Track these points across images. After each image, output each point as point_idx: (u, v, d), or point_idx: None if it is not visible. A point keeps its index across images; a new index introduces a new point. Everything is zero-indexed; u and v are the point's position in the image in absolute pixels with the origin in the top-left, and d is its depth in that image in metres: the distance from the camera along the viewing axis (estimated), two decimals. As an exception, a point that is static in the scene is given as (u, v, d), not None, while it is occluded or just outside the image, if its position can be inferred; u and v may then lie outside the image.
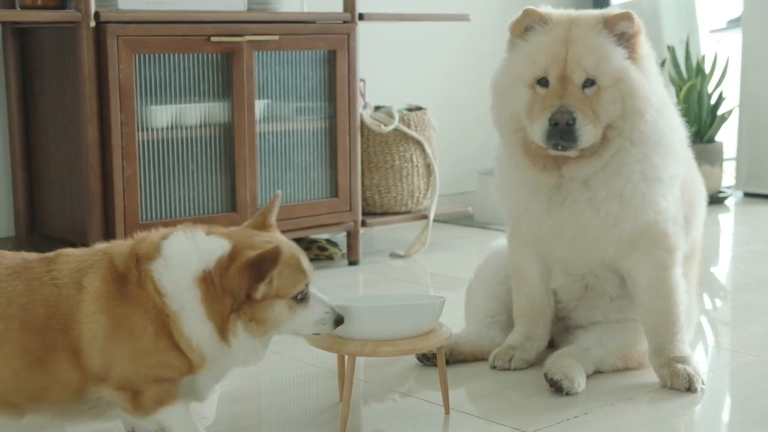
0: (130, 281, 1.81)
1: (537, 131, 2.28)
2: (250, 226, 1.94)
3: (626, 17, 2.29)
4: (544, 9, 2.35)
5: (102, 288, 1.79)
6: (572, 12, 2.36)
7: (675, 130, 2.43)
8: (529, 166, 2.35)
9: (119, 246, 1.89)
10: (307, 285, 1.88)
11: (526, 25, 2.34)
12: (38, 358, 1.76)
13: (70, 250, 1.88)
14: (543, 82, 2.29)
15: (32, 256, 1.86)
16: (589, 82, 2.27)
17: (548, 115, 2.25)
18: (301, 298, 1.87)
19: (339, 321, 1.93)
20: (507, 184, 2.47)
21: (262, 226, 1.94)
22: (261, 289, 1.80)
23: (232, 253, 1.81)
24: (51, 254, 1.86)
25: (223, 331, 1.81)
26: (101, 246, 1.90)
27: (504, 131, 2.40)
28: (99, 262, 1.83)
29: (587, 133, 2.25)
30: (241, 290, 1.79)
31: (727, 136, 5.25)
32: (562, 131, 2.24)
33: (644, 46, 2.35)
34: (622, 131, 2.30)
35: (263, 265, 1.78)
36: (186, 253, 1.82)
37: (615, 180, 2.33)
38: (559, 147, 2.27)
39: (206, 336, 1.81)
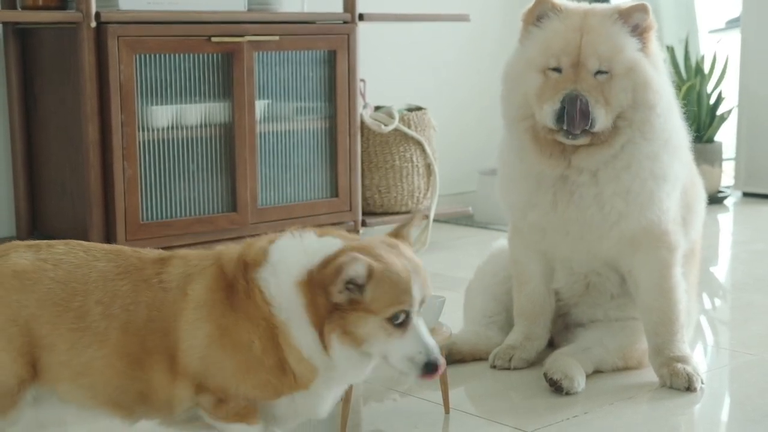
0: (238, 291, 1.72)
1: (548, 112, 2.28)
2: (397, 235, 1.81)
3: (641, 9, 2.31)
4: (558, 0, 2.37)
5: (206, 296, 1.72)
6: (586, 4, 2.38)
7: (681, 132, 2.45)
8: (536, 153, 2.35)
9: (231, 251, 1.79)
10: (406, 311, 1.69)
11: (540, 13, 2.35)
12: (137, 360, 1.72)
13: (184, 252, 1.82)
14: (556, 69, 2.30)
15: (150, 255, 1.80)
16: (602, 71, 2.28)
17: (560, 98, 2.26)
18: (399, 324, 1.69)
19: (430, 367, 1.70)
20: (511, 178, 2.46)
21: (404, 237, 1.81)
22: (336, 293, 1.67)
23: (339, 252, 1.69)
24: (166, 254, 1.81)
25: (324, 341, 1.70)
26: (215, 250, 1.81)
27: (513, 119, 2.40)
28: (207, 269, 1.75)
29: (600, 117, 2.26)
30: (327, 291, 1.67)
31: (726, 136, 5.26)
32: (573, 114, 2.25)
33: (655, 44, 2.37)
34: (632, 122, 2.31)
35: (341, 269, 1.64)
36: (293, 256, 1.71)
37: (624, 175, 2.33)
38: (570, 136, 2.27)
39: (315, 345, 1.71)
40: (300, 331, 1.70)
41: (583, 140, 2.29)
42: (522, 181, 2.42)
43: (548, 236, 2.44)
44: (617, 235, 2.37)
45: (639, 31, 2.32)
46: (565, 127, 2.27)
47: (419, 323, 1.72)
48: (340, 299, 1.67)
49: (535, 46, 2.34)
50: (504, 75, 2.42)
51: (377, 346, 1.70)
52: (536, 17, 2.36)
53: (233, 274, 1.73)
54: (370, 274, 1.66)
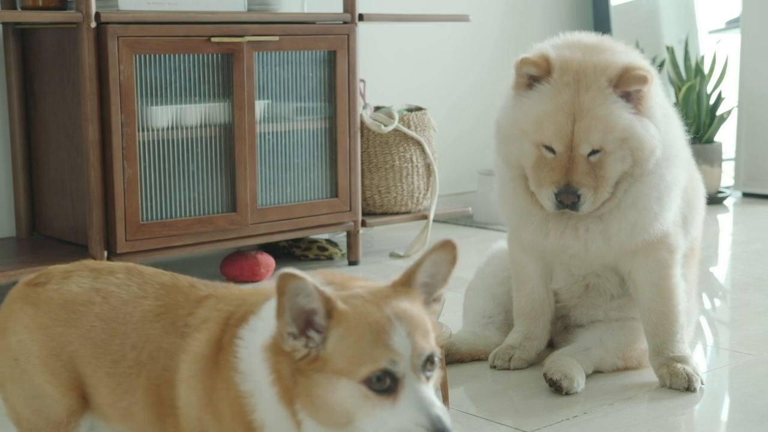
0: (223, 346, 1.45)
1: (544, 200, 2.30)
2: (395, 283, 1.41)
3: (641, 80, 2.23)
4: (543, 54, 2.28)
5: (203, 349, 1.47)
6: (576, 58, 2.26)
7: (678, 136, 2.44)
8: (528, 199, 2.37)
9: (255, 295, 1.53)
10: (389, 371, 1.31)
11: (531, 74, 2.28)
12: (158, 413, 1.53)
13: (222, 291, 1.57)
14: (549, 148, 2.28)
15: (198, 292, 1.57)
16: (595, 152, 2.27)
17: (555, 191, 2.27)
18: (384, 389, 1.31)
19: None
20: (505, 196, 2.48)
21: (405, 284, 1.41)
22: (286, 336, 1.34)
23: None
24: (211, 290, 1.58)
25: (296, 419, 1.37)
26: (249, 291, 1.56)
27: (508, 164, 2.41)
28: (218, 316, 1.50)
29: (590, 205, 2.29)
30: (279, 336, 1.35)
31: (726, 136, 5.26)
32: (567, 206, 2.28)
33: (651, 96, 2.29)
34: (633, 175, 2.32)
35: (280, 288, 1.31)
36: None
37: (630, 212, 2.34)
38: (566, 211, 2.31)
39: (283, 425, 1.38)
40: (265, 407, 1.39)
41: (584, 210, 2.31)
42: (515, 201, 2.43)
43: (545, 250, 2.45)
44: (619, 252, 2.39)
45: (635, 94, 2.26)
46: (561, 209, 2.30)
47: (419, 387, 1.31)
48: (293, 348, 1.33)
49: (528, 119, 2.28)
50: (498, 126, 2.38)
51: (362, 421, 1.31)
52: (527, 78, 2.29)
53: (231, 324, 1.48)
54: (330, 312, 1.33)
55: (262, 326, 1.42)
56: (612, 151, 2.26)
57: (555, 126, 2.25)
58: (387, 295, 1.37)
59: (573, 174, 2.25)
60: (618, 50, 2.33)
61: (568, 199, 2.26)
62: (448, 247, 1.41)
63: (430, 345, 1.35)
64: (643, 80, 2.24)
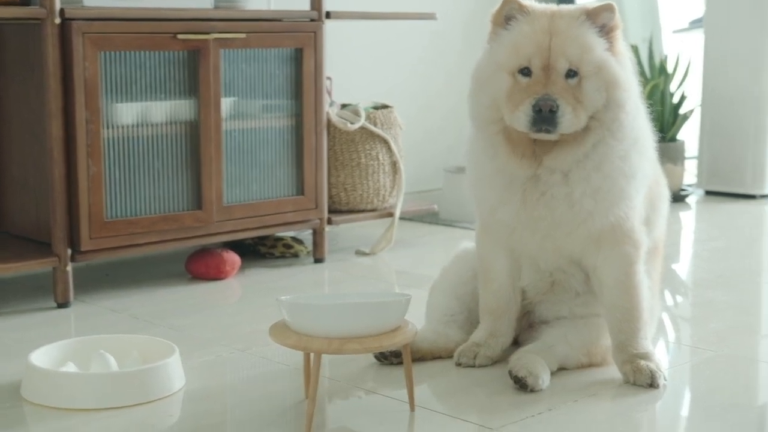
0: None
1: (521, 117, 2.28)
2: None
3: (608, 8, 2.33)
4: (525, 0, 2.38)
5: None
6: (553, 6, 2.40)
7: (647, 132, 2.48)
8: (508, 154, 2.36)
9: None
10: None
11: (507, 14, 2.36)
12: None
13: None
14: (525, 71, 2.31)
15: None
16: (572, 73, 2.29)
17: (532, 102, 2.26)
18: None
19: None
20: (482, 176, 2.47)
21: None
22: None
23: None
24: None
25: None
26: None
27: (483, 121, 2.40)
28: None
29: (569, 121, 2.27)
30: None
31: (689, 134, 5.32)
32: (545, 118, 2.27)
33: (622, 43, 2.39)
34: (603, 121, 2.32)
35: None
36: None
37: (594, 175, 2.35)
38: (542, 129, 2.28)
39: None
40: None
41: (554, 135, 2.30)
42: (493, 178, 2.43)
43: (516, 233, 2.45)
44: (585, 232, 2.40)
45: (606, 31, 2.34)
46: (537, 128, 2.28)
47: None
48: None
49: (504, 49, 2.35)
50: (473, 76, 2.42)
51: None
52: (504, 19, 2.38)
53: None
54: None
55: None
56: (588, 75, 2.29)
57: (533, 43, 2.30)
58: None
59: (552, 87, 2.28)
60: None
61: (546, 105, 2.25)
62: None
63: None
64: (609, 7, 2.32)
